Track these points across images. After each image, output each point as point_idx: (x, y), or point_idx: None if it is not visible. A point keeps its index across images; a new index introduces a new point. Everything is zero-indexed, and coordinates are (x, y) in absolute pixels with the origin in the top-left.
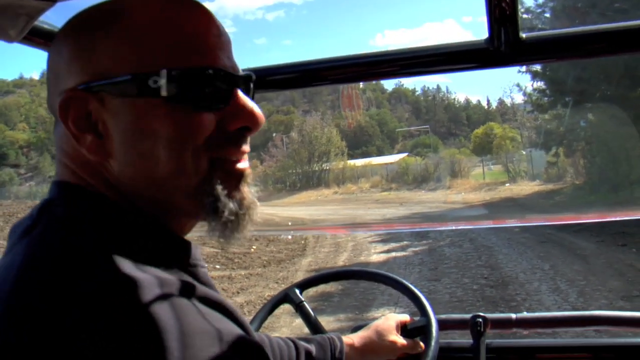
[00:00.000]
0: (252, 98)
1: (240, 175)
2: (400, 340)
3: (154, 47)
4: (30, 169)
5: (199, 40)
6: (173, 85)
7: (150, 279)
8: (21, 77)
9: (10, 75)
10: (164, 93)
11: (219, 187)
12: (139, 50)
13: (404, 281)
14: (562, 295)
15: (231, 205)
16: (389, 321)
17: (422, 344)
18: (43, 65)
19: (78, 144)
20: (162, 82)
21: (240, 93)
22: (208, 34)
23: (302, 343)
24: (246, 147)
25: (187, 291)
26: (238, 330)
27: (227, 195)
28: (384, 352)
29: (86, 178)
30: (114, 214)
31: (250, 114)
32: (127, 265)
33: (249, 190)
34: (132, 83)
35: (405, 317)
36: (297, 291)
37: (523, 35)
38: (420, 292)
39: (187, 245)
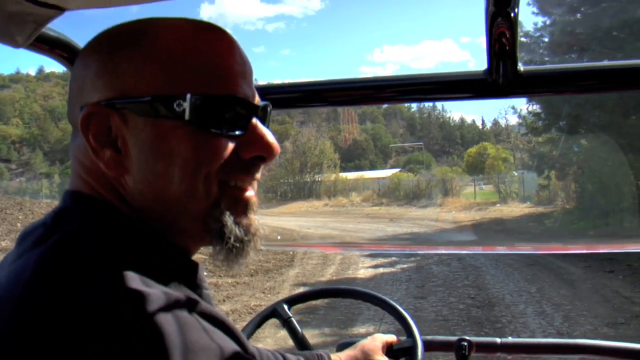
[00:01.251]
0: (268, 125)
1: (247, 203)
2: None
3: (180, 70)
4: (21, 164)
5: (224, 67)
6: (196, 110)
7: (158, 293)
8: (18, 72)
9: (6, 70)
10: (187, 117)
11: (227, 213)
12: (165, 72)
13: (392, 302)
14: (548, 319)
15: (237, 231)
16: (375, 341)
17: None
18: (40, 62)
19: (96, 157)
20: (187, 105)
21: (258, 122)
22: (232, 62)
23: (292, 358)
24: (258, 175)
25: (192, 307)
26: (238, 349)
27: (234, 222)
28: None
29: (101, 191)
30: (127, 228)
31: (267, 144)
32: (136, 280)
33: (255, 218)
34: (157, 104)
35: (392, 338)
36: (286, 307)
37: (521, 68)
38: (407, 313)
39: (195, 265)
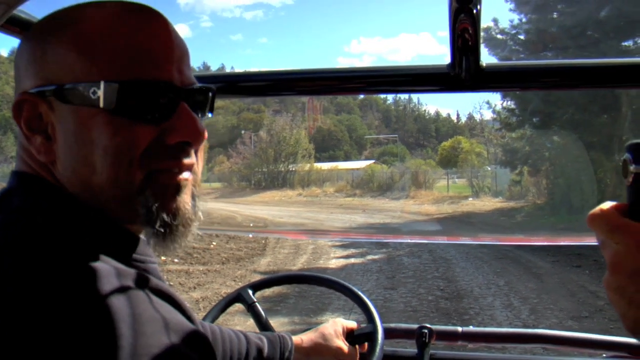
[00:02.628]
0: (212, 110)
1: (176, 187)
2: (345, 345)
3: (98, 57)
4: None
5: (147, 52)
6: (112, 97)
7: (106, 268)
8: None
9: None
10: (102, 104)
11: (152, 199)
12: (83, 59)
13: (355, 289)
14: (515, 312)
15: (164, 216)
16: (335, 325)
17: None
18: (12, 44)
19: (28, 143)
20: (101, 92)
21: (184, 107)
22: (158, 47)
23: (254, 338)
24: (187, 160)
25: (140, 282)
26: (186, 322)
27: (160, 207)
28: (329, 355)
29: (40, 172)
30: (67, 207)
31: (191, 129)
32: (82, 255)
33: (186, 201)
34: (75, 91)
35: (353, 324)
36: (250, 292)
37: (483, 64)
38: (370, 300)
39: (136, 240)
